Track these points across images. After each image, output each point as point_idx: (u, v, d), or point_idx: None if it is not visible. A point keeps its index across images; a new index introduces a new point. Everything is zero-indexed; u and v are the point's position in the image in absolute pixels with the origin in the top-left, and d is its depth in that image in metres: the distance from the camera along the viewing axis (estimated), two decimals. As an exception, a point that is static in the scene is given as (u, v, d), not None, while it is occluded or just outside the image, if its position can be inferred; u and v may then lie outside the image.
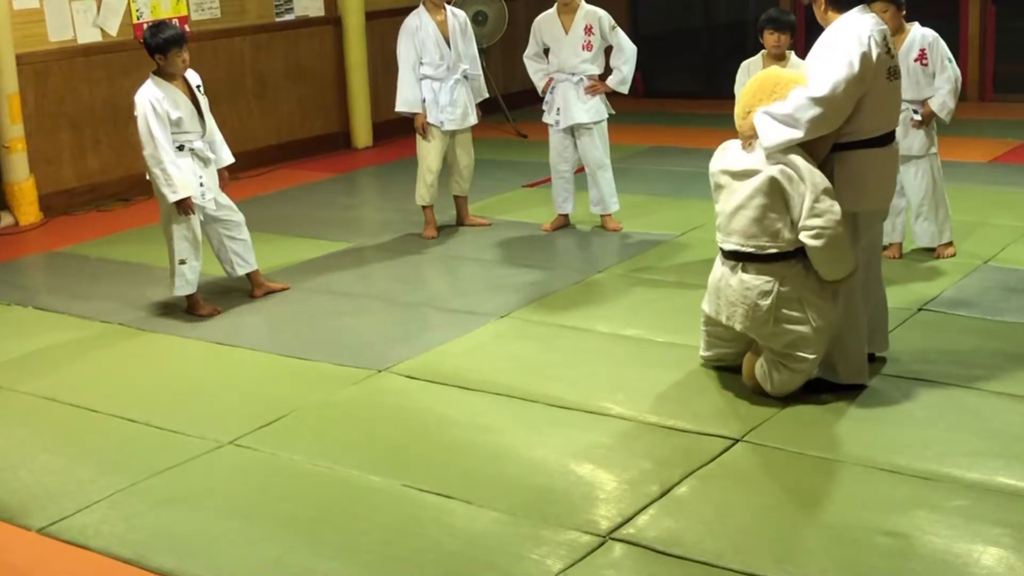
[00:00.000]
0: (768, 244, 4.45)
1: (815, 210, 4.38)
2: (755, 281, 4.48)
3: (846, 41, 4.44)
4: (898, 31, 6.07)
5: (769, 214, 4.43)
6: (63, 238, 7.91)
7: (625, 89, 7.16)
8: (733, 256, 4.54)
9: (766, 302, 4.45)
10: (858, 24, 4.49)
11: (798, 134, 4.42)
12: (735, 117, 4.73)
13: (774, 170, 4.42)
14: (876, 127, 4.58)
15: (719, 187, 4.63)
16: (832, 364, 4.64)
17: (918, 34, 6.10)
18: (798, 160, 4.45)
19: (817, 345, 4.51)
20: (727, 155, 4.66)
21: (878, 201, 4.70)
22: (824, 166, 4.54)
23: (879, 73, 4.47)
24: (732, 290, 4.53)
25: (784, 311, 4.45)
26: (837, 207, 4.39)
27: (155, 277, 6.72)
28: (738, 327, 4.55)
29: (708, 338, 4.88)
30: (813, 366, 4.56)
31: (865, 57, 4.40)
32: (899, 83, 4.67)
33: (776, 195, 4.41)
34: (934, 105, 6.11)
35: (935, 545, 3.56)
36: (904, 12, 6.05)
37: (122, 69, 8.85)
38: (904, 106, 6.14)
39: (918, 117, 6.13)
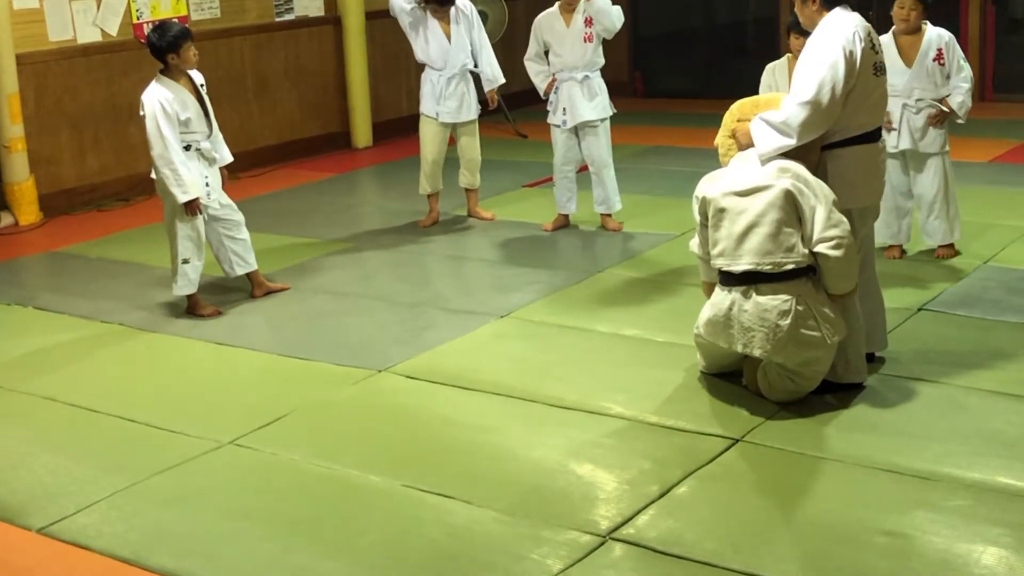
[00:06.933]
0: (784, 260, 4.35)
1: (831, 220, 4.36)
2: (772, 302, 4.37)
3: (830, 41, 4.45)
4: (916, 31, 6.10)
5: (784, 228, 4.36)
6: (63, 238, 7.91)
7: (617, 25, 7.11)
8: (746, 279, 4.41)
9: (786, 322, 4.34)
10: (842, 22, 4.51)
11: (791, 141, 4.46)
12: (719, 143, 4.76)
13: (787, 183, 4.38)
14: (864, 123, 4.60)
15: (721, 211, 4.50)
16: (832, 364, 4.63)
17: (934, 34, 6.14)
18: (805, 171, 4.45)
19: (828, 361, 4.50)
20: (725, 179, 4.57)
21: (871, 197, 4.71)
22: (816, 167, 4.55)
23: (864, 69, 4.49)
24: (748, 315, 4.40)
25: (802, 331, 4.37)
26: (845, 218, 4.40)
27: (155, 277, 6.73)
28: (757, 352, 4.43)
29: (707, 361, 4.86)
30: (820, 379, 4.55)
31: (850, 55, 4.43)
32: (885, 79, 4.67)
33: (790, 208, 4.37)
34: (953, 103, 6.13)
35: (935, 545, 3.56)
36: (925, 15, 6.08)
37: (122, 69, 8.85)
38: (923, 104, 6.16)
39: (941, 109, 6.13)
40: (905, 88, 6.15)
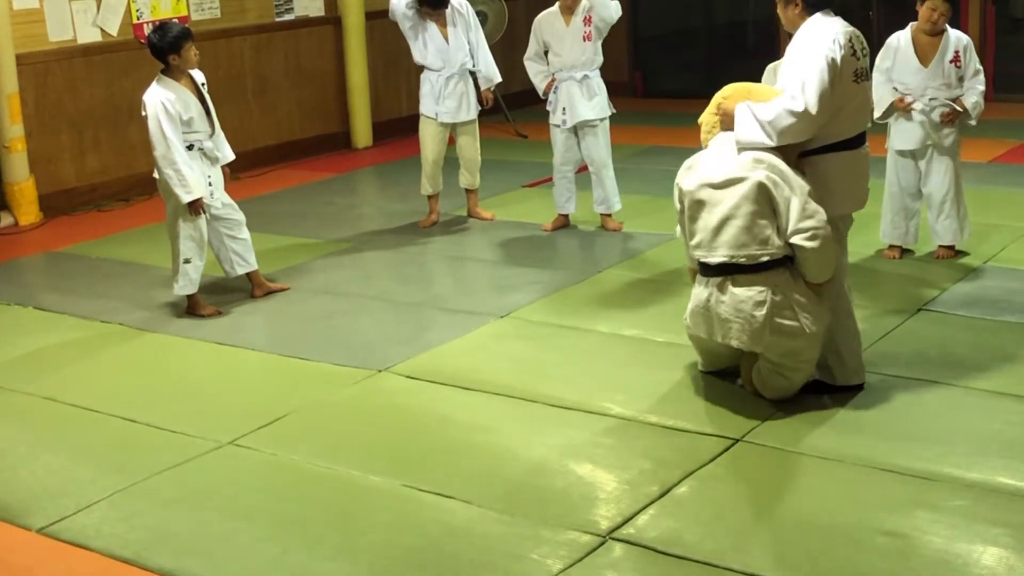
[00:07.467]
0: (759, 252, 4.37)
1: (806, 211, 4.36)
2: (747, 293, 4.40)
3: (816, 50, 4.41)
4: (941, 32, 6.12)
5: (759, 221, 4.37)
6: (63, 238, 7.91)
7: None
8: (721, 271, 4.43)
9: (761, 312, 4.37)
10: (825, 28, 4.48)
11: (769, 143, 4.44)
12: (704, 120, 4.75)
13: (761, 175, 4.38)
14: (841, 131, 4.55)
15: (698, 203, 4.50)
16: (828, 367, 4.64)
17: (953, 37, 6.18)
18: (781, 163, 4.44)
19: (812, 351, 4.50)
20: (701, 170, 4.56)
21: (848, 205, 4.65)
22: (794, 165, 4.53)
23: (845, 77, 4.45)
24: (724, 306, 4.43)
25: (778, 320, 4.39)
26: (821, 208, 4.39)
27: (155, 277, 6.73)
28: (734, 343, 4.46)
29: (703, 357, 4.87)
30: (810, 371, 4.56)
31: (833, 63, 4.40)
32: (868, 85, 4.63)
33: (764, 200, 4.37)
34: (968, 103, 6.16)
35: (935, 545, 3.57)
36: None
37: (122, 69, 8.85)
38: (936, 104, 6.16)
39: (954, 108, 6.14)
40: (919, 87, 6.17)
